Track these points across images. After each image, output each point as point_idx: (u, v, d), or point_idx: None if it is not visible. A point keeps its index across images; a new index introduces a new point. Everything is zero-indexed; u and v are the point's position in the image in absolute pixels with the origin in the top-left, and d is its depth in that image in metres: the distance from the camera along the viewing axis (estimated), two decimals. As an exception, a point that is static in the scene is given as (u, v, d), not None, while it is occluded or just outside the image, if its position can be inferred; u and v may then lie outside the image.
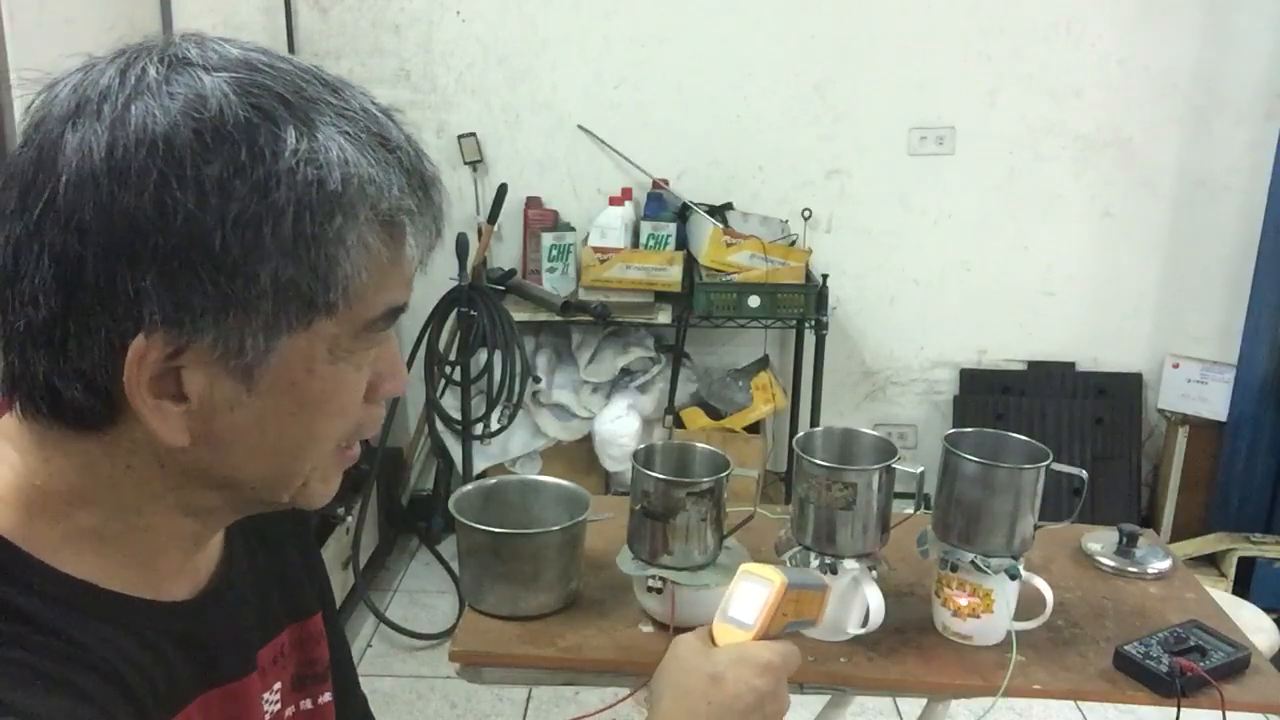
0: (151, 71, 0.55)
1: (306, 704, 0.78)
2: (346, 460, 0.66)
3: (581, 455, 3.07)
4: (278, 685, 0.73)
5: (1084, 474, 1.32)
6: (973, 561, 1.29)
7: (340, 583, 2.78)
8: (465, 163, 3.17)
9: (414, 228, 0.60)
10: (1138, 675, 1.25)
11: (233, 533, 0.71)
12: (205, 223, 0.52)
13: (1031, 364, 3.30)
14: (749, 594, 0.87)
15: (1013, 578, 1.29)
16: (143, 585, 0.62)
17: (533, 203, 3.17)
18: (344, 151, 0.55)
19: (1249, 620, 2.02)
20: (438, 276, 3.16)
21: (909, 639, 1.34)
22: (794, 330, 3.11)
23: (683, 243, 3.03)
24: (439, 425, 3.07)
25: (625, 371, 3.06)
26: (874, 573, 1.31)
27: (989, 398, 3.27)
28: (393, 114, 0.61)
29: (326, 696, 0.79)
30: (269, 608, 0.74)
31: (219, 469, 0.60)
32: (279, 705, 0.74)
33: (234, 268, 0.53)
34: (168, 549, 0.64)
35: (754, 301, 2.83)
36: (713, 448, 1.38)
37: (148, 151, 0.52)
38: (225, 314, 0.54)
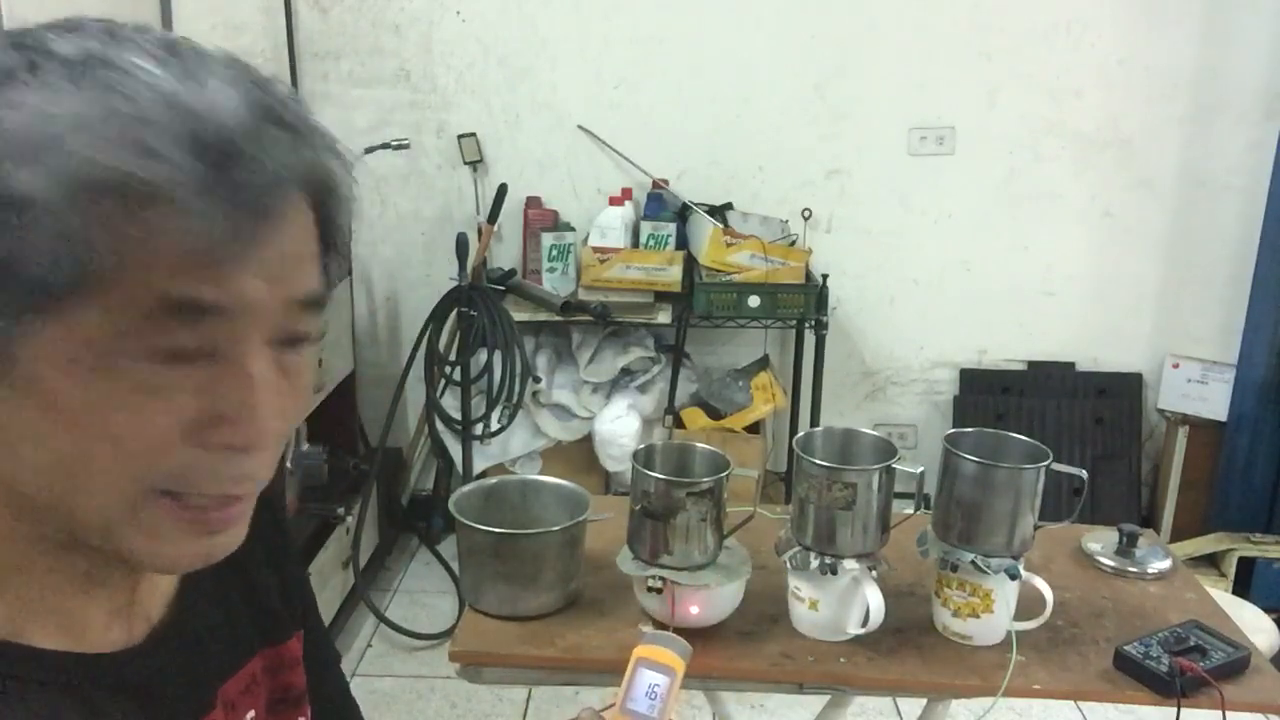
0: None
1: None
2: (195, 520, 0.55)
3: (581, 455, 3.07)
4: (250, 714, 0.70)
5: (1084, 474, 1.32)
6: (973, 561, 1.29)
7: (340, 583, 2.78)
8: (465, 163, 3.17)
9: (176, 196, 0.47)
10: (1138, 675, 1.25)
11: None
12: None
13: (1031, 364, 3.30)
14: (648, 682, 0.84)
15: (1013, 578, 1.29)
16: (62, 636, 0.57)
17: (533, 203, 3.17)
18: (52, 91, 0.47)
19: (1249, 620, 2.02)
20: (438, 276, 3.17)
21: (909, 639, 1.34)
22: (794, 330, 3.11)
23: (683, 243, 3.03)
24: (439, 425, 3.07)
25: (625, 371, 3.06)
26: (874, 573, 1.31)
27: (989, 398, 3.27)
28: (213, 60, 0.52)
29: (309, 711, 0.77)
30: (237, 636, 0.70)
31: (5, 480, 0.54)
32: None
33: None
34: (74, 593, 0.57)
35: (754, 301, 2.83)
36: (713, 448, 1.39)
37: None
38: None
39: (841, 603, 1.31)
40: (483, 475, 2.94)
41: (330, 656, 0.86)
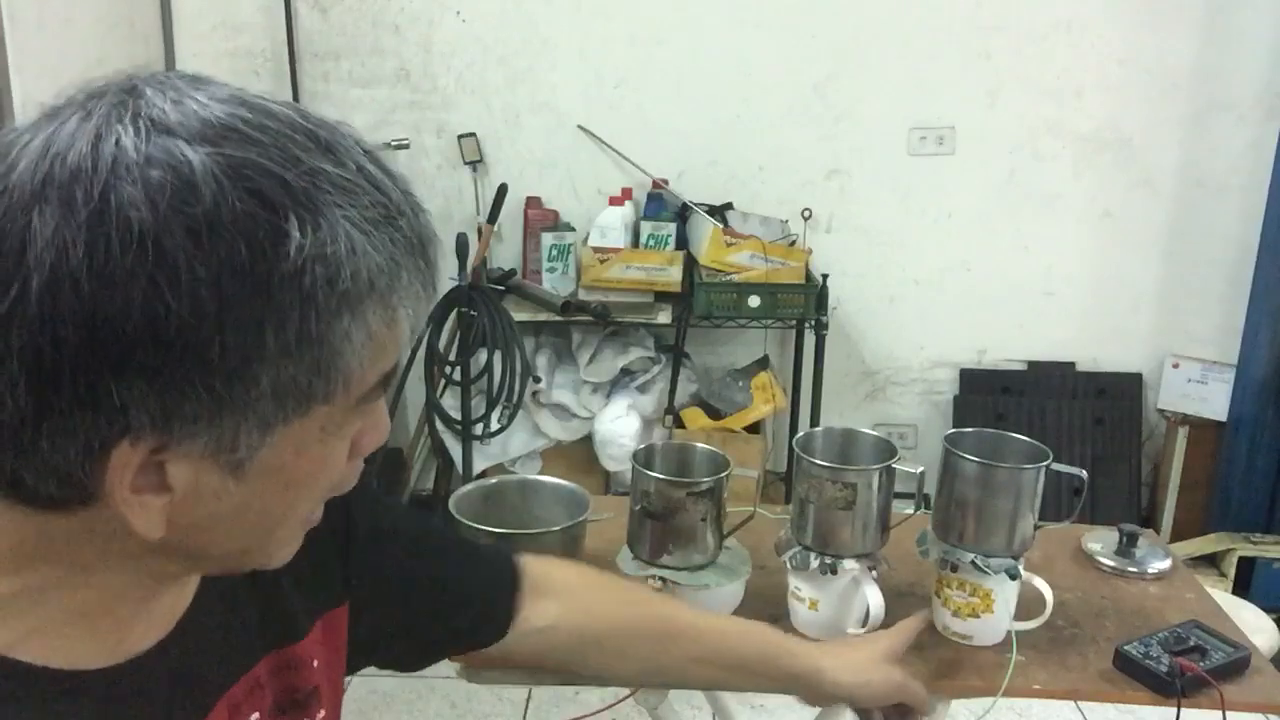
0: (128, 144, 0.48)
1: None
2: (311, 523, 0.63)
3: (581, 455, 3.06)
4: (254, 717, 0.70)
5: (1084, 474, 1.32)
6: (973, 561, 1.29)
7: (340, 583, 2.77)
8: (465, 163, 3.17)
9: (417, 305, 0.56)
10: (1138, 675, 1.25)
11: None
12: (200, 330, 0.47)
13: (1031, 364, 3.30)
14: None
15: (1013, 578, 1.29)
16: (83, 649, 0.58)
17: (533, 203, 3.17)
18: (351, 240, 0.51)
19: (1249, 620, 2.02)
20: (438, 276, 3.16)
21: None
22: (794, 330, 3.11)
23: (683, 243, 3.03)
24: (439, 425, 3.07)
25: (625, 371, 3.06)
26: (874, 573, 1.31)
27: (989, 398, 3.27)
28: (382, 161, 0.55)
29: (320, 714, 0.76)
30: (245, 639, 0.70)
31: (191, 546, 0.57)
32: None
33: (230, 374, 0.49)
34: (113, 608, 0.59)
35: (754, 301, 2.83)
36: (713, 448, 1.38)
37: (135, 254, 0.46)
38: (219, 417, 0.50)
39: (841, 603, 1.30)
40: (483, 475, 2.94)
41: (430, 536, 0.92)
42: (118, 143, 0.48)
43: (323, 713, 0.77)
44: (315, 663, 0.76)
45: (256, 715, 0.70)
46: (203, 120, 0.49)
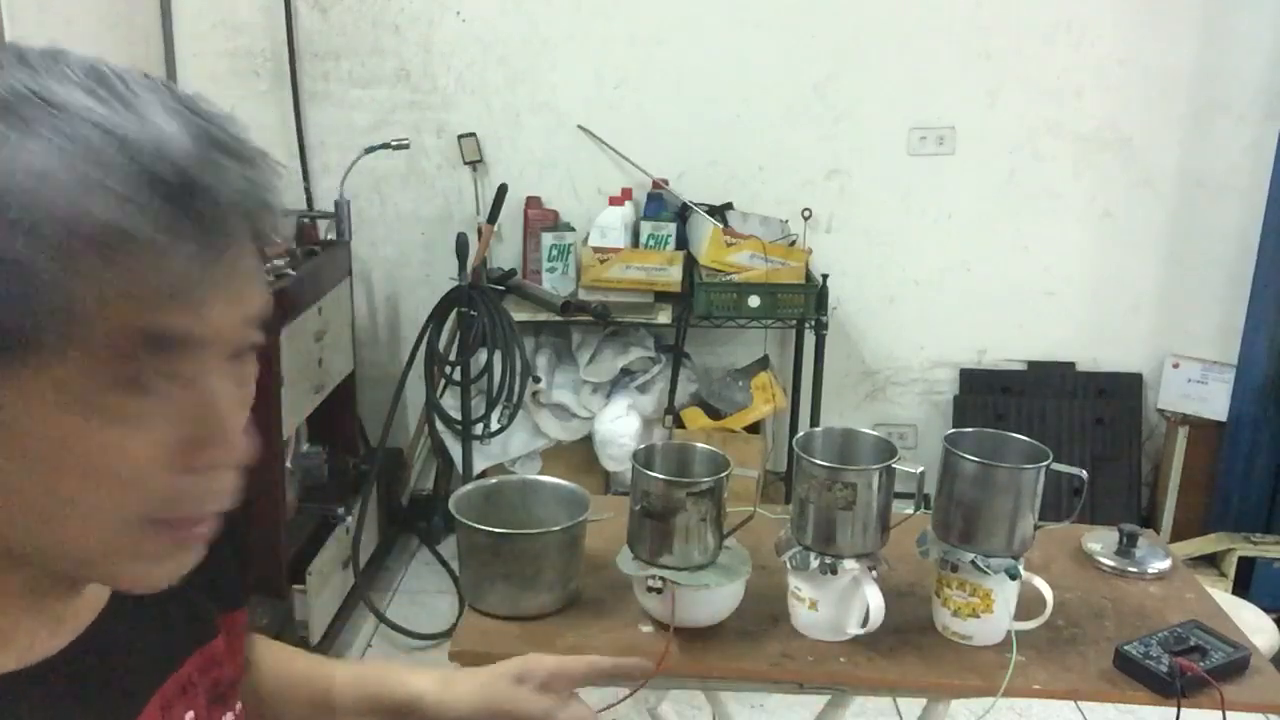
0: None
1: (228, 718, 0.75)
2: (182, 539, 0.56)
3: (581, 455, 3.07)
4: (190, 714, 0.69)
5: (1084, 474, 1.32)
6: (973, 561, 1.29)
7: (340, 583, 2.77)
8: (465, 163, 3.17)
9: (157, 243, 0.49)
10: (1138, 675, 1.25)
11: None
12: None
13: (1031, 364, 3.30)
14: None
15: (1013, 578, 1.29)
16: None
17: (533, 203, 3.17)
18: (33, 157, 0.47)
19: (1249, 620, 2.02)
20: (438, 276, 3.17)
21: (909, 639, 1.34)
22: (794, 330, 3.11)
23: (683, 243, 3.03)
24: (439, 425, 3.07)
25: (625, 371, 3.06)
26: (874, 573, 1.31)
27: (989, 398, 3.27)
28: (160, 87, 0.52)
29: (238, 706, 0.76)
30: (171, 640, 0.69)
31: None
32: None
33: None
34: (7, 609, 0.58)
35: (754, 301, 2.83)
36: (713, 448, 1.38)
37: None
38: None
39: (841, 603, 1.31)
40: (483, 475, 2.94)
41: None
42: None
43: (239, 706, 0.76)
44: (225, 661, 0.76)
45: (191, 714, 0.69)
46: None
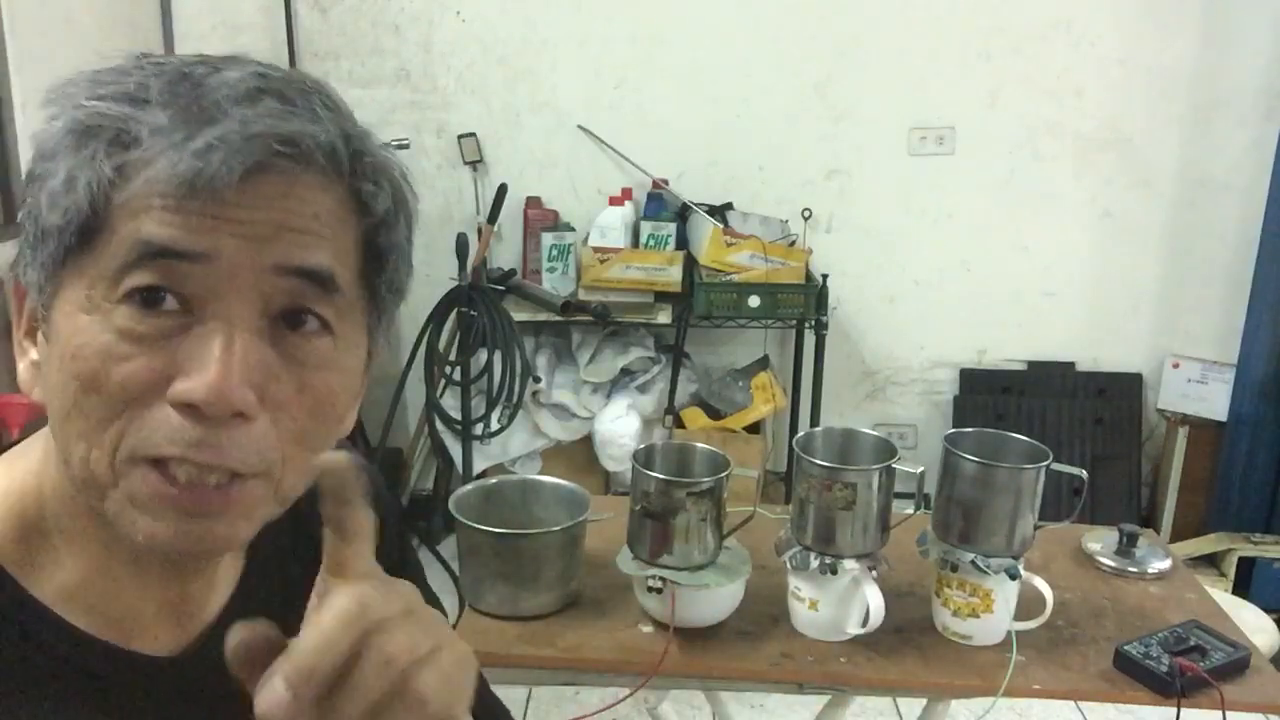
0: None
1: None
2: (169, 493, 0.54)
3: (581, 455, 3.06)
4: None
5: (1084, 474, 1.32)
6: (973, 561, 1.29)
7: (340, 583, 2.77)
8: (465, 163, 3.17)
9: (143, 139, 0.52)
10: (1138, 675, 1.25)
11: (256, 558, 0.66)
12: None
13: (1031, 364, 3.30)
14: None
15: (1013, 578, 1.29)
16: (111, 630, 0.58)
17: (533, 203, 3.17)
18: (81, 70, 0.55)
19: (1249, 620, 2.02)
20: (438, 276, 3.16)
21: (909, 639, 1.34)
22: (794, 330, 3.11)
23: (683, 243, 3.03)
24: (439, 425, 3.07)
25: (625, 371, 3.06)
26: (874, 573, 1.31)
27: (989, 398, 3.27)
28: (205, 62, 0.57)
29: None
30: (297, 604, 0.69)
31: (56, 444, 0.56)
32: None
33: (28, 210, 0.55)
34: (125, 579, 0.59)
35: (754, 301, 2.83)
36: (713, 448, 1.38)
37: None
38: (31, 252, 0.55)
39: (841, 603, 1.31)
40: (483, 475, 2.94)
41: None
42: None
43: None
44: None
45: None
46: None
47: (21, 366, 0.57)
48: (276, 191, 0.53)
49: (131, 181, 0.51)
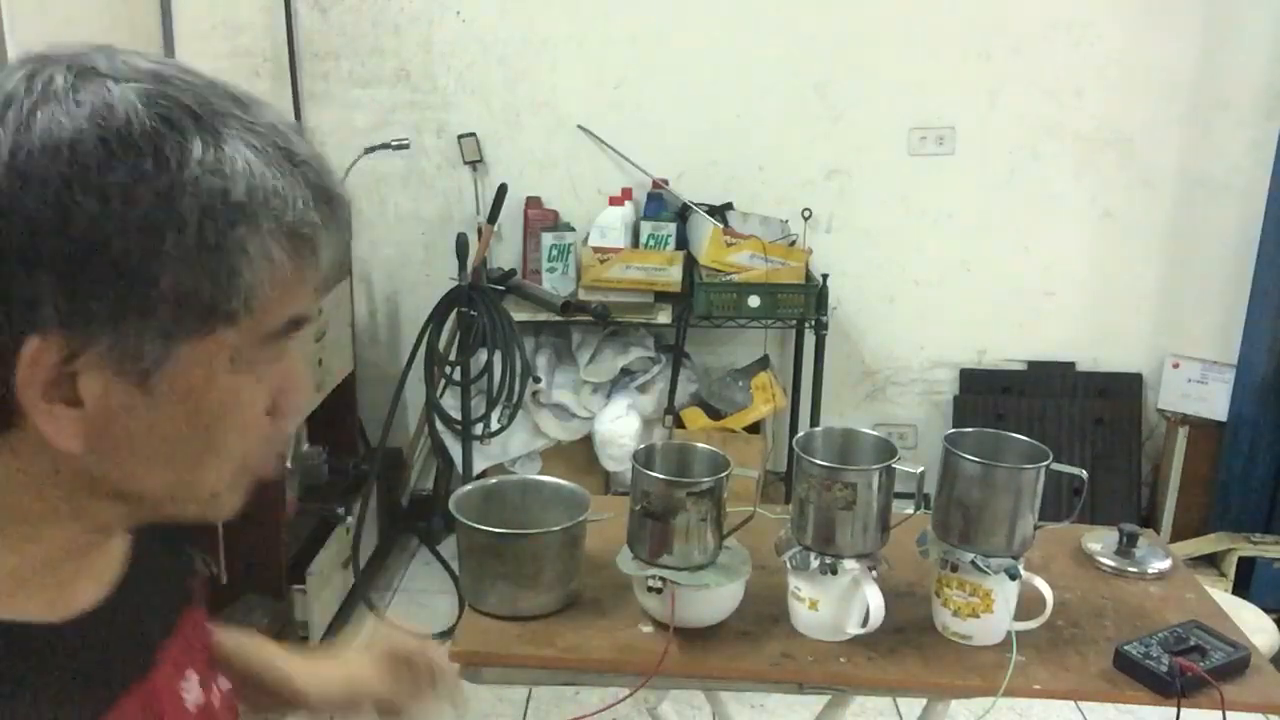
0: (59, 79, 0.54)
1: (224, 684, 0.78)
2: (247, 474, 0.65)
3: (581, 455, 3.06)
4: (191, 672, 0.72)
5: (1084, 474, 1.32)
6: (973, 561, 1.29)
7: (340, 583, 2.78)
8: (465, 163, 3.17)
9: (319, 242, 0.59)
10: (1138, 675, 1.25)
11: (138, 551, 0.71)
12: (106, 228, 0.52)
13: (1031, 364, 3.30)
14: None
15: (1013, 578, 1.29)
16: (31, 606, 0.60)
17: (533, 203, 3.17)
18: (249, 163, 0.55)
19: (1249, 620, 2.02)
20: (438, 276, 3.17)
21: (909, 639, 1.34)
22: (794, 330, 3.11)
23: (683, 243, 3.03)
24: (439, 425, 3.07)
25: (625, 371, 3.06)
26: (874, 573, 1.31)
27: (989, 398, 3.27)
28: (300, 130, 0.61)
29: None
30: (171, 597, 0.74)
31: (114, 477, 0.59)
32: (200, 692, 0.73)
33: (133, 273, 0.53)
34: (60, 563, 0.62)
35: (754, 301, 2.83)
36: (713, 448, 1.38)
37: (51, 157, 0.52)
38: (123, 318, 0.54)
39: (841, 603, 1.31)
40: (483, 475, 2.94)
41: None
42: (50, 77, 0.54)
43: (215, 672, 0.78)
44: (206, 629, 0.80)
45: (193, 673, 0.73)
46: (131, 67, 0.56)
47: (51, 425, 0.56)
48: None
49: (307, 274, 0.60)
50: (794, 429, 3.06)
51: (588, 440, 3.04)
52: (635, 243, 3.01)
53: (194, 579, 0.79)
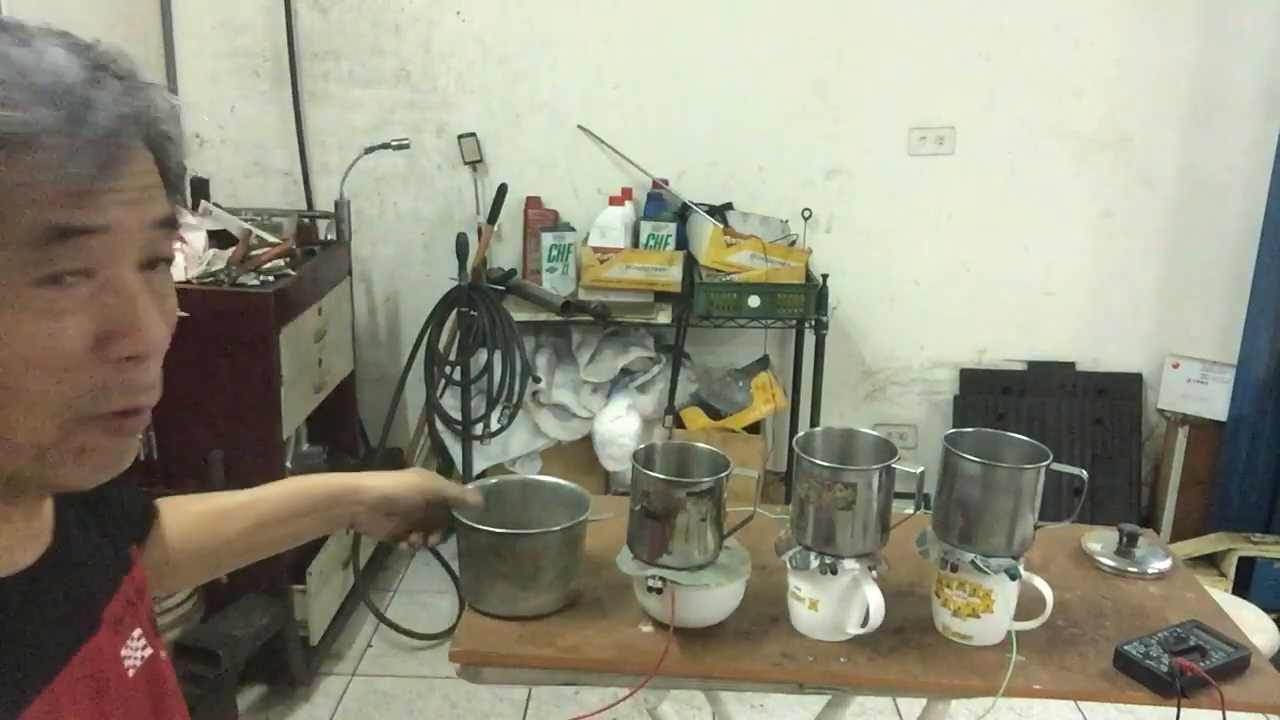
0: None
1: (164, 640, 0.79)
2: (114, 431, 0.62)
3: (581, 455, 3.06)
4: (136, 631, 0.73)
5: (1084, 474, 1.32)
6: (973, 561, 1.29)
7: (340, 583, 2.78)
8: (465, 163, 3.17)
9: (42, 143, 0.56)
10: (1138, 675, 1.25)
11: (61, 499, 0.72)
12: None
13: (1031, 364, 3.30)
14: None
15: (1013, 578, 1.29)
16: None
17: (533, 203, 3.17)
18: None
19: (1249, 620, 2.02)
20: (438, 276, 3.17)
21: (909, 639, 1.34)
22: (794, 330, 3.11)
23: (683, 243, 3.03)
24: (439, 425, 3.07)
25: (625, 371, 3.06)
26: (874, 573, 1.31)
27: (989, 398, 3.27)
28: (66, 36, 0.62)
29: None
30: (109, 560, 0.75)
31: None
32: (147, 650, 0.74)
33: None
34: None
35: (754, 301, 2.83)
36: (713, 448, 1.38)
37: None
38: None
39: (841, 603, 1.31)
40: (483, 475, 2.94)
41: None
42: None
43: (160, 640, 0.79)
44: (146, 592, 0.81)
45: (139, 630, 0.74)
46: None
47: None
48: (132, 158, 0.61)
49: (32, 177, 0.56)
50: (794, 429, 3.06)
51: (588, 440, 3.04)
52: (635, 243, 3.01)
53: (129, 549, 0.79)
